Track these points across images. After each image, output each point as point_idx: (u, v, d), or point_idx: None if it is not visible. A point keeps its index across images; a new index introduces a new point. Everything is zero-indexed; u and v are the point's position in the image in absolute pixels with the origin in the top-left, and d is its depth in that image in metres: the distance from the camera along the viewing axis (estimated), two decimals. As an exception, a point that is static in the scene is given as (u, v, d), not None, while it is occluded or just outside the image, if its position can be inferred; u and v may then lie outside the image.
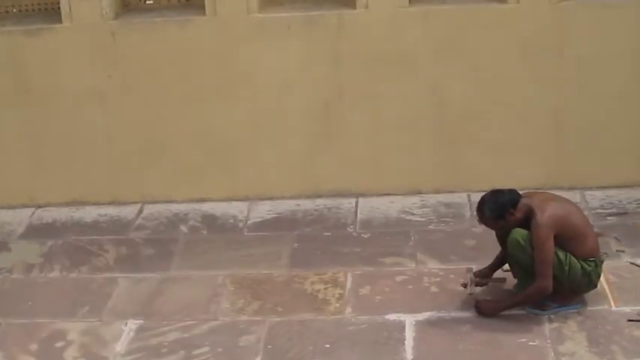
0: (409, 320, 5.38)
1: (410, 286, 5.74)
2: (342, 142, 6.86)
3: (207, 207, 6.94)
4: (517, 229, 5.21)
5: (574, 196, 6.29)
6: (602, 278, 5.44)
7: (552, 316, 5.30)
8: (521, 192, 5.30)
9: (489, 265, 5.59)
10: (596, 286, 5.39)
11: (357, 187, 6.95)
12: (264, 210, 6.86)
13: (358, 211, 6.75)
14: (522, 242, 5.18)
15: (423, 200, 6.82)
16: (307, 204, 6.88)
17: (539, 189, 5.92)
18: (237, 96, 6.81)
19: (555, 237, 5.14)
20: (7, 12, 7.03)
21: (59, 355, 5.32)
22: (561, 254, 5.18)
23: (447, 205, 6.74)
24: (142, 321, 5.57)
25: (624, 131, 6.69)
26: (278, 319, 5.50)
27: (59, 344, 5.41)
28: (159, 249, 6.42)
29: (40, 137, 6.98)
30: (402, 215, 6.66)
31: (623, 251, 5.95)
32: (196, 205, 6.97)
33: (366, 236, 6.42)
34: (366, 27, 6.61)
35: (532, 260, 5.16)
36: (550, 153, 6.78)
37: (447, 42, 6.59)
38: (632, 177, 6.76)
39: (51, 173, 7.06)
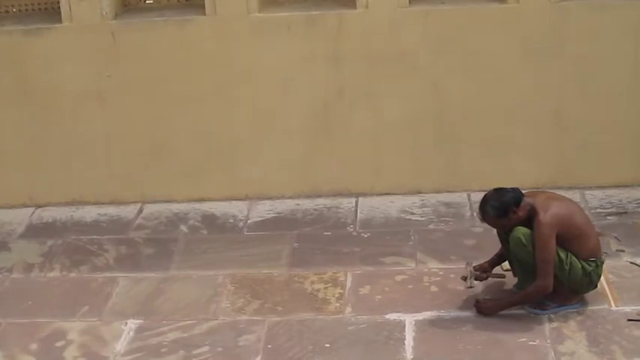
0: (409, 320, 5.37)
1: (410, 286, 5.74)
2: (342, 141, 6.86)
3: (207, 207, 6.94)
4: (519, 227, 5.21)
5: (574, 196, 6.28)
6: (602, 278, 5.43)
7: (552, 316, 5.30)
8: (523, 191, 5.30)
9: (489, 260, 5.59)
10: (596, 287, 5.39)
11: (356, 187, 6.95)
12: (264, 210, 6.86)
13: (358, 211, 6.75)
14: (524, 241, 5.18)
15: (423, 200, 6.82)
16: (307, 204, 6.88)
17: (539, 189, 5.94)
18: (237, 96, 6.81)
19: (557, 237, 5.14)
20: (6, 12, 7.02)
21: (59, 354, 5.31)
22: (562, 254, 5.18)
23: (447, 204, 6.73)
24: (141, 320, 5.57)
25: (624, 131, 6.69)
26: (278, 318, 5.50)
27: (59, 344, 5.40)
28: (159, 248, 6.42)
29: (40, 137, 6.98)
30: (402, 215, 6.66)
31: (623, 251, 5.96)
32: (196, 205, 6.97)
33: (366, 236, 6.42)
34: (366, 27, 6.61)
35: (533, 259, 5.16)
36: (550, 153, 6.78)
37: (447, 42, 6.59)
38: (631, 177, 6.76)
39: (51, 173, 7.06)
